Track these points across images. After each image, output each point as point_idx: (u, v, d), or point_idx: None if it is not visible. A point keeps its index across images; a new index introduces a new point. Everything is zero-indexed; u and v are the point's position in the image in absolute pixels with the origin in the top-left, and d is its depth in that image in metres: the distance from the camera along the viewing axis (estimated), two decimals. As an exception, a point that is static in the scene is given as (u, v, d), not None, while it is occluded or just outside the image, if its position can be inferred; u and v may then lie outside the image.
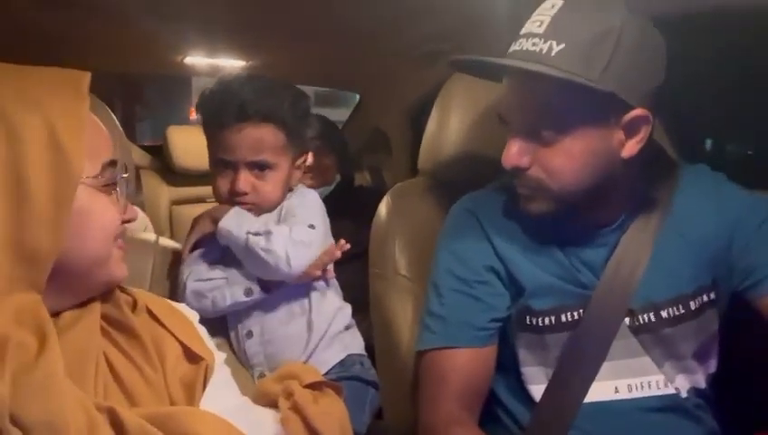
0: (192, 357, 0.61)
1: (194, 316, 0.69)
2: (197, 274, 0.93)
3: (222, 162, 0.95)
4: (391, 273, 1.05)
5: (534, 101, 0.76)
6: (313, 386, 0.73)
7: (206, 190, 2.58)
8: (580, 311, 0.83)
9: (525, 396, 0.87)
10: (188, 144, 2.31)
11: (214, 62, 1.83)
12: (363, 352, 1.01)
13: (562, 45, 0.71)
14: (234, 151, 0.93)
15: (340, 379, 0.93)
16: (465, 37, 1.56)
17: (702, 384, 0.85)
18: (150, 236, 0.98)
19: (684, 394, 0.83)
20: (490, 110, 1.14)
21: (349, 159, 2.14)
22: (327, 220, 1.03)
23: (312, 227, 0.95)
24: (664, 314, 0.82)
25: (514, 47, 0.77)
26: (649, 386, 0.83)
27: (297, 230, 0.93)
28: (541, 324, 0.84)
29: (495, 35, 1.47)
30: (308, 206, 0.99)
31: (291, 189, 1.02)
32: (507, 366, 0.89)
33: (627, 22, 0.72)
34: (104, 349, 0.55)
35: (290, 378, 0.72)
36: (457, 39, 1.58)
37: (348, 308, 1.05)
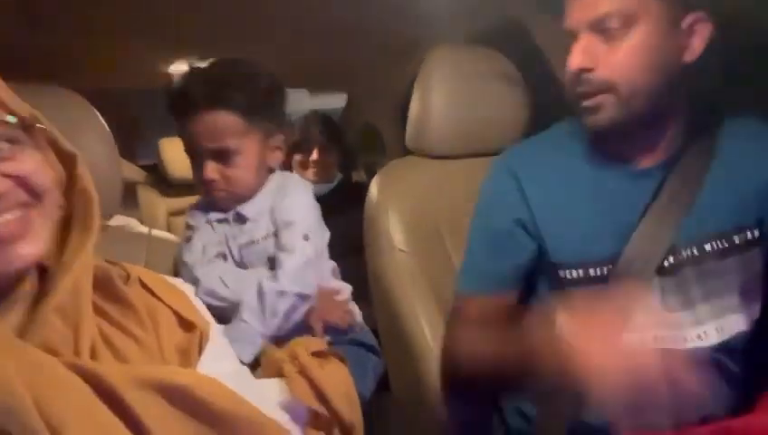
0: (186, 325, 0.61)
1: (189, 289, 0.69)
2: (207, 288, 0.91)
3: (189, 152, 0.95)
4: (387, 247, 1.06)
5: None
6: (318, 355, 0.73)
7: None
8: (609, 266, 0.82)
9: None
10: (182, 155, 2.33)
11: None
12: (361, 320, 1.02)
13: None
14: (194, 141, 0.92)
15: (341, 343, 0.94)
16: (444, 22, 1.57)
17: (743, 327, 0.83)
18: (143, 228, 0.99)
19: (719, 338, 0.82)
20: (473, 83, 1.16)
21: (350, 158, 2.15)
22: (320, 219, 1.02)
23: (306, 238, 0.93)
24: (707, 247, 0.82)
25: None
26: (679, 341, 0.81)
27: (292, 262, 0.90)
28: (569, 277, 0.85)
29: (476, 17, 1.50)
30: (301, 209, 0.97)
31: (272, 170, 1.01)
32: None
33: None
34: (97, 322, 0.55)
35: (296, 345, 0.72)
36: (438, 24, 1.59)
37: (347, 287, 1.05)
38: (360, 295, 1.15)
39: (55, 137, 0.58)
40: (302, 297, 0.91)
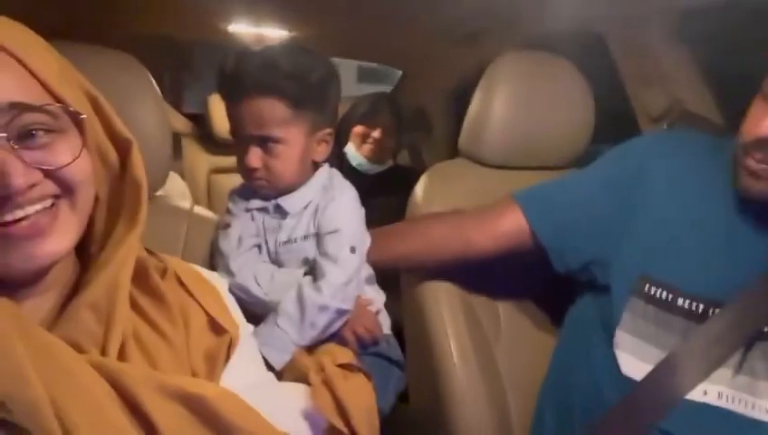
0: (217, 329, 0.60)
1: (223, 285, 0.68)
2: (240, 284, 0.90)
3: (235, 137, 0.93)
4: (424, 256, 1.03)
5: None
6: (344, 366, 0.72)
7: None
8: (702, 305, 0.80)
9: (605, 355, 0.84)
10: (230, 113, 2.33)
11: (259, 32, 1.82)
12: (390, 332, 1.00)
13: None
14: (240, 126, 0.90)
15: (366, 355, 0.92)
16: (509, 15, 1.51)
17: None
18: (185, 203, 0.98)
19: None
20: (539, 92, 1.11)
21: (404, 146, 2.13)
22: (364, 225, 0.98)
23: (353, 250, 0.91)
24: None
25: None
26: (746, 405, 0.78)
27: (337, 275, 0.88)
28: (659, 297, 0.81)
29: (538, 13, 1.44)
30: (348, 216, 0.93)
31: (317, 165, 0.98)
32: (601, 319, 0.87)
33: None
34: (130, 316, 0.55)
35: (323, 354, 0.71)
36: (504, 17, 1.53)
37: (380, 296, 1.03)
38: (389, 279, 1.13)
39: (112, 121, 0.57)
40: (342, 312, 0.90)
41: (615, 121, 1.42)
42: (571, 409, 0.89)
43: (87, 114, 0.52)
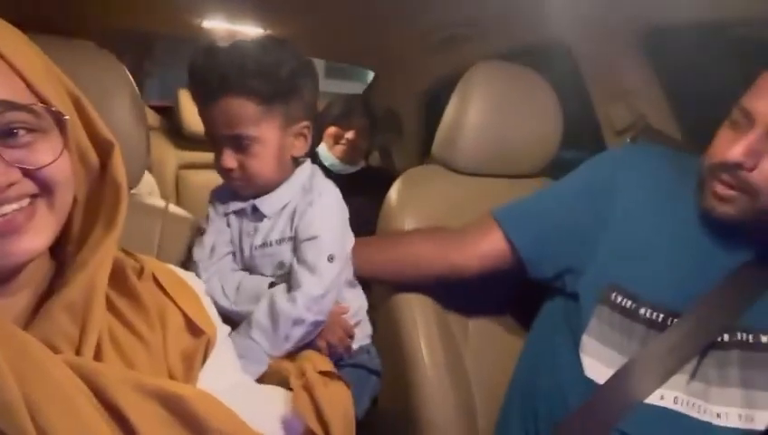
0: (194, 330, 0.60)
1: (200, 286, 0.68)
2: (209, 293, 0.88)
3: (209, 137, 0.91)
4: (398, 259, 1.05)
5: None
6: (324, 374, 0.74)
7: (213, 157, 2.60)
8: (662, 315, 0.83)
9: (570, 359, 0.87)
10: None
11: (233, 29, 1.80)
12: (369, 341, 1.00)
13: None
14: (211, 127, 0.88)
15: (347, 365, 0.93)
16: (486, 24, 1.54)
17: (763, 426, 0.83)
18: (159, 202, 0.98)
19: (738, 424, 0.81)
20: (512, 103, 1.14)
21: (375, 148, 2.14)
22: (347, 225, 0.96)
23: (331, 259, 0.88)
24: (764, 339, 0.81)
25: None
26: (699, 410, 0.82)
27: (313, 286, 0.86)
28: (624, 305, 0.84)
29: (516, 23, 1.48)
30: (328, 222, 0.91)
31: (297, 161, 0.95)
32: (568, 324, 0.90)
33: None
34: (106, 318, 0.55)
35: (305, 360, 0.72)
36: (479, 25, 1.56)
37: (362, 302, 1.01)
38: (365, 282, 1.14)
39: (94, 122, 0.57)
40: (318, 324, 0.88)
41: (581, 132, 1.47)
42: (535, 410, 0.92)
43: (69, 115, 0.52)
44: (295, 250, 0.90)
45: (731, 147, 0.77)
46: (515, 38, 1.48)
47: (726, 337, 0.82)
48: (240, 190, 0.92)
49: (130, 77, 0.88)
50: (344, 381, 0.73)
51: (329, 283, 0.88)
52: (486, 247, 0.99)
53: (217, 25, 1.77)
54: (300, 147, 0.93)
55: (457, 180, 1.15)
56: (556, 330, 0.93)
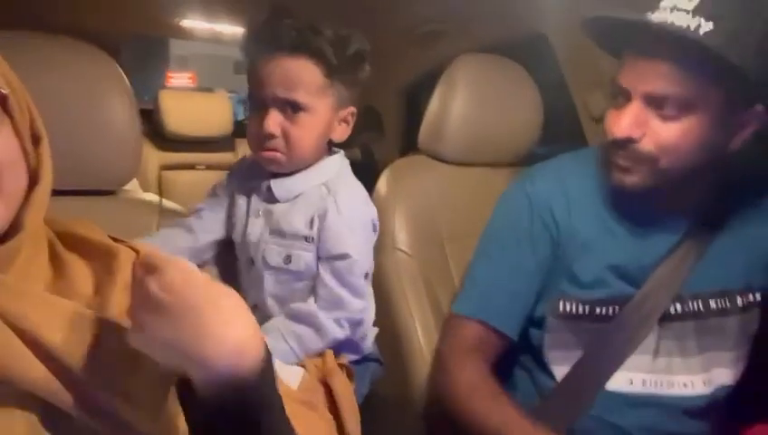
0: None
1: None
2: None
3: (253, 100, 0.86)
4: (389, 246, 1.08)
5: (673, 75, 0.74)
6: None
7: (196, 157, 2.58)
8: (615, 307, 0.85)
9: (547, 370, 0.90)
10: (180, 109, 2.29)
11: (212, 27, 1.81)
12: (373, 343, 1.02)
13: (710, 24, 0.70)
14: (263, 86, 0.83)
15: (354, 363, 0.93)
16: (462, 17, 1.57)
17: (729, 381, 0.88)
18: (154, 197, 0.98)
19: (705, 390, 0.86)
20: (495, 93, 1.17)
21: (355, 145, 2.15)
22: (371, 234, 0.92)
23: (366, 276, 0.89)
24: (712, 303, 0.85)
25: (657, 16, 0.75)
26: (667, 385, 0.86)
27: (355, 307, 0.86)
28: (575, 312, 0.87)
29: (496, 18, 1.51)
30: (360, 236, 0.88)
31: (332, 148, 0.92)
32: (533, 342, 0.92)
33: None
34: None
35: None
36: (459, 20, 1.59)
37: (371, 305, 0.98)
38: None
39: (30, 109, 0.51)
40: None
41: (561, 121, 1.50)
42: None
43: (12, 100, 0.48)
44: (322, 259, 0.87)
45: (617, 123, 0.80)
46: (495, 31, 1.51)
47: (679, 307, 0.85)
48: (267, 163, 0.88)
49: (125, 76, 0.88)
50: (349, 374, 0.75)
51: (366, 298, 0.90)
52: (473, 347, 0.91)
53: (197, 24, 1.77)
54: (341, 132, 0.91)
55: (444, 170, 1.17)
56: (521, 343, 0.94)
